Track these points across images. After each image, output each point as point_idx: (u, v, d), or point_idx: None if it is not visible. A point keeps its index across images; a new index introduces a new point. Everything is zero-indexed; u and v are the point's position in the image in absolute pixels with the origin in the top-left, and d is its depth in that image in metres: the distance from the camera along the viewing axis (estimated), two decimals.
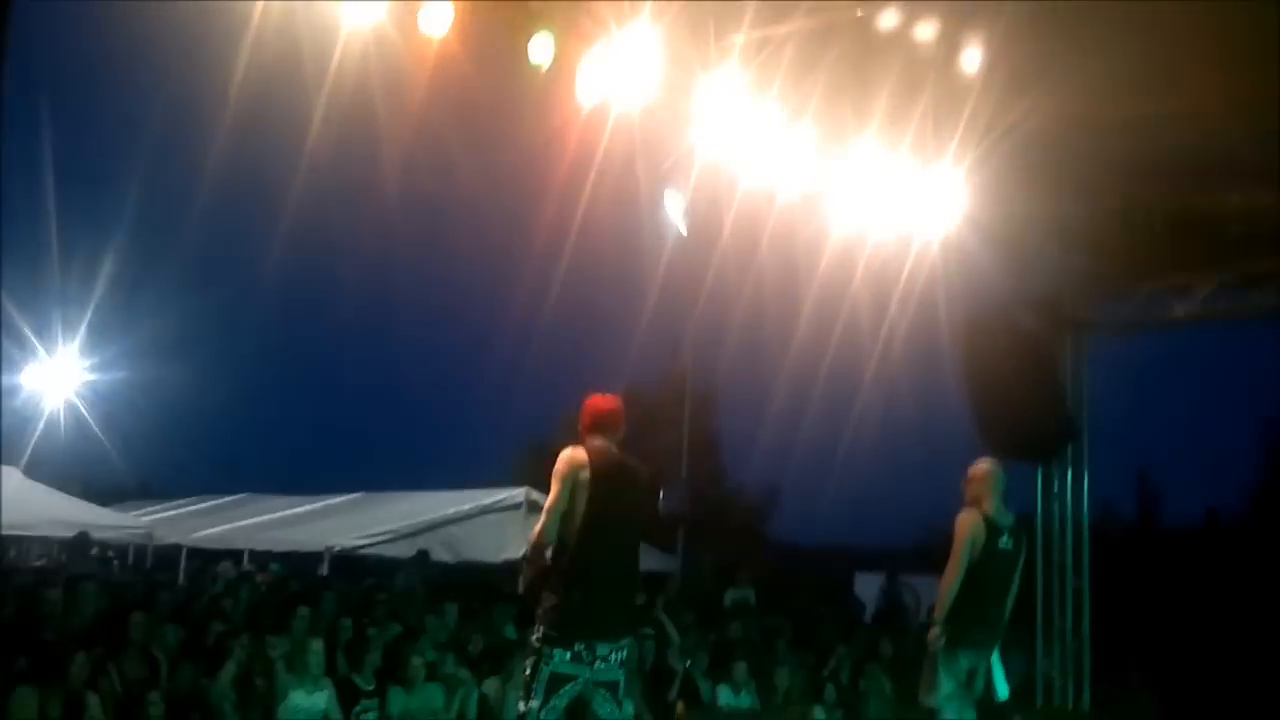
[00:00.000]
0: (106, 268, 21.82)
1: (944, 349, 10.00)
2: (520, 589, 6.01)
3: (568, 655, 5.11)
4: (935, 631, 6.72)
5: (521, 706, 5.18)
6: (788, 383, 21.42)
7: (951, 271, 8.48)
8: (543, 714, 5.09)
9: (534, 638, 5.25)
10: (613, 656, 5.23)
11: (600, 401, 5.46)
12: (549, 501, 5.26)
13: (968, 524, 6.86)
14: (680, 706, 7.42)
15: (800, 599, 13.40)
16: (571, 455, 5.23)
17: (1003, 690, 7.06)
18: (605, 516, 5.20)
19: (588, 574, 5.17)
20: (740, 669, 9.26)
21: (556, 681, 5.11)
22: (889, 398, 18.71)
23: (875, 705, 9.67)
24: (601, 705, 5.26)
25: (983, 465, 7.04)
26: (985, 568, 6.87)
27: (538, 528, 5.30)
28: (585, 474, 5.17)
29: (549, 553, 5.40)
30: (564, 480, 5.20)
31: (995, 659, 7.03)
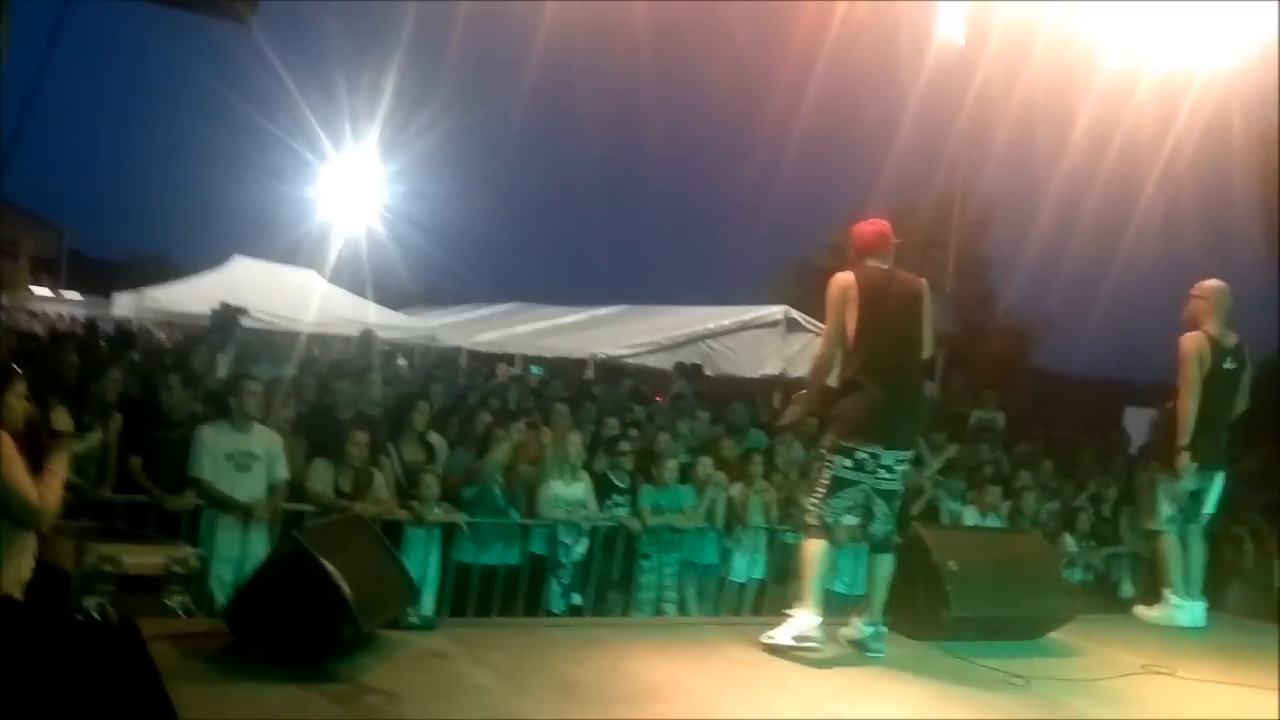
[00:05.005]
0: (390, 84, 22.75)
1: (1236, 167, 9.19)
2: (787, 419, 6.24)
3: (848, 462, 5.34)
4: (1185, 457, 6.67)
5: (810, 506, 5.49)
6: (1063, 206, 20.33)
7: (1254, 80, 7.71)
8: (827, 515, 5.37)
9: (823, 445, 5.52)
10: (898, 467, 5.45)
11: (866, 226, 5.62)
12: (825, 330, 5.57)
13: (1193, 344, 6.71)
14: (917, 523, 7.46)
15: (1061, 428, 12.99)
16: (839, 280, 5.45)
17: (1210, 505, 7.02)
18: (882, 329, 5.37)
19: (869, 383, 5.33)
20: (993, 492, 9.17)
21: (838, 484, 5.37)
22: (1170, 221, 17.48)
23: (1132, 540, 9.38)
24: (879, 518, 5.49)
25: (1208, 284, 6.82)
26: (1209, 389, 6.73)
27: (818, 355, 5.64)
28: (854, 292, 5.35)
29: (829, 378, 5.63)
30: (835, 305, 5.43)
31: (1219, 479, 6.91)
